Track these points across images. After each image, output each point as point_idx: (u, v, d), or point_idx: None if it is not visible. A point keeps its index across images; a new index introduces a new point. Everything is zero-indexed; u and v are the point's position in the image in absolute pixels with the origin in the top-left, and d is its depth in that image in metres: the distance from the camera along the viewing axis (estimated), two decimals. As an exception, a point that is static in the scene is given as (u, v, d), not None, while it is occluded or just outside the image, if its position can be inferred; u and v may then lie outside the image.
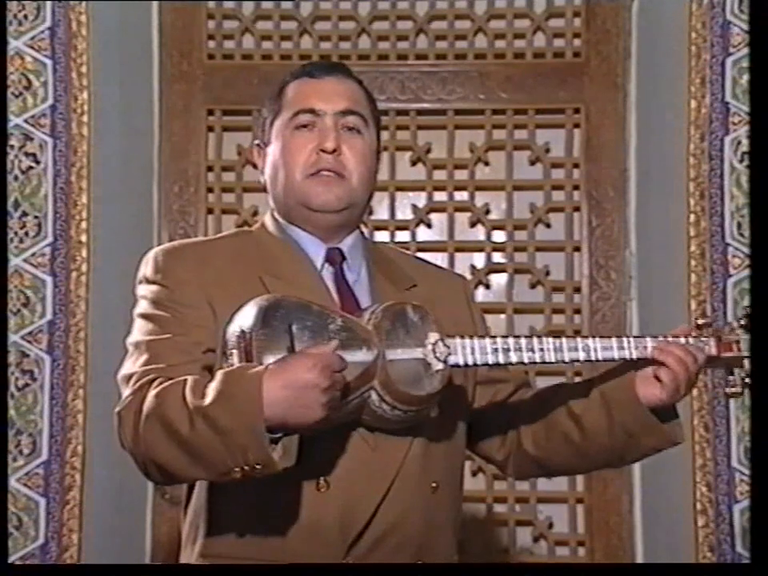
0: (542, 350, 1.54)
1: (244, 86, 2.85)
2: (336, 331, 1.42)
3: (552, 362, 1.55)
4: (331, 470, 1.49)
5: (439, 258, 2.74)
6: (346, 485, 1.49)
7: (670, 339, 1.59)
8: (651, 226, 2.72)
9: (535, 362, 1.54)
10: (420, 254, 2.53)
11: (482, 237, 2.86)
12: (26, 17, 2.60)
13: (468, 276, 2.73)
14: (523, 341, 1.53)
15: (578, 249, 2.81)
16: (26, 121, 2.59)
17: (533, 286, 2.84)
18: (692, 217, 2.59)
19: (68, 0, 2.61)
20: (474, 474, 2.76)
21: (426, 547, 1.55)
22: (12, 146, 2.58)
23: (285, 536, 1.48)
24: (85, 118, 2.62)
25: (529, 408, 1.70)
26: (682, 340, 1.60)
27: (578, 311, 2.80)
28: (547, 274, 2.84)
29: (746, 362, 1.63)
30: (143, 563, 2.66)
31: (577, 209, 2.82)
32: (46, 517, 2.53)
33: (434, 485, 1.56)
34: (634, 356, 1.57)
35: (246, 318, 1.38)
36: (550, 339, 1.55)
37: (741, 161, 2.55)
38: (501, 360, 1.52)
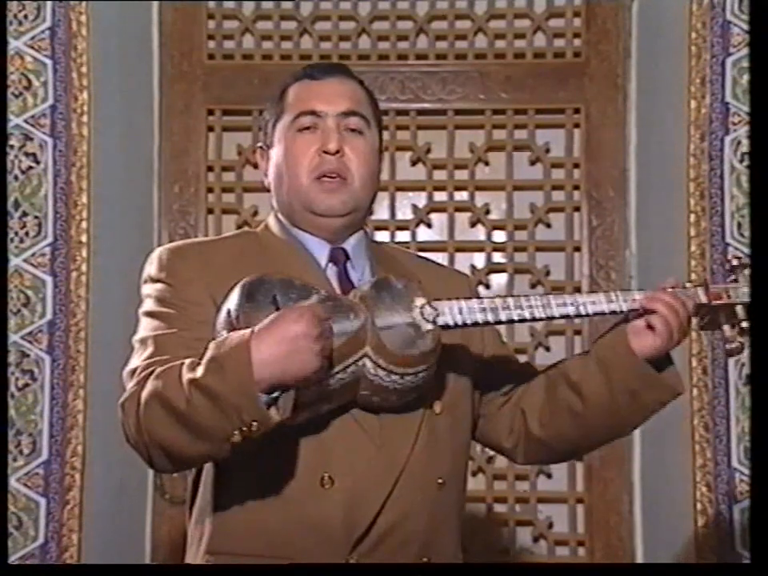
0: (530, 306, 1.55)
1: (244, 86, 2.85)
2: (321, 301, 1.44)
3: (542, 318, 1.56)
4: (335, 466, 1.49)
5: (439, 258, 2.73)
6: (351, 481, 1.49)
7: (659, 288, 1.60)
8: (651, 226, 2.72)
9: (525, 319, 1.55)
10: (422, 255, 2.53)
11: (482, 237, 2.86)
12: (26, 17, 2.60)
13: (468, 276, 2.73)
14: (511, 299, 1.55)
15: (578, 249, 2.81)
16: (26, 121, 2.59)
17: (533, 286, 2.84)
18: (692, 217, 2.59)
19: (68, 0, 2.61)
20: (474, 474, 2.76)
21: (431, 544, 1.55)
22: (12, 146, 2.57)
23: (290, 533, 1.49)
24: (85, 118, 2.61)
25: (532, 389, 1.70)
26: (670, 290, 1.61)
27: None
28: (547, 274, 2.84)
29: (739, 312, 1.61)
30: (143, 563, 2.66)
31: (577, 209, 2.82)
32: (46, 517, 2.53)
33: (440, 481, 1.56)
34: (624, 308, 1.58)
35: (231, 299, 1.42)
36: (538, 297, 1.56)
37: (741, 161, 2.55)
38: (490, 318, 1.53)
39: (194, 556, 1.58)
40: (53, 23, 2.60)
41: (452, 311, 1.52)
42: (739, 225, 2.54)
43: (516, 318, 1.54)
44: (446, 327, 1.51)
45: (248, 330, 1.35)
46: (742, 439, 2.50)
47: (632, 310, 1.59)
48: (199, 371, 1.36)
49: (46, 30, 2.60)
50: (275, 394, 1.35)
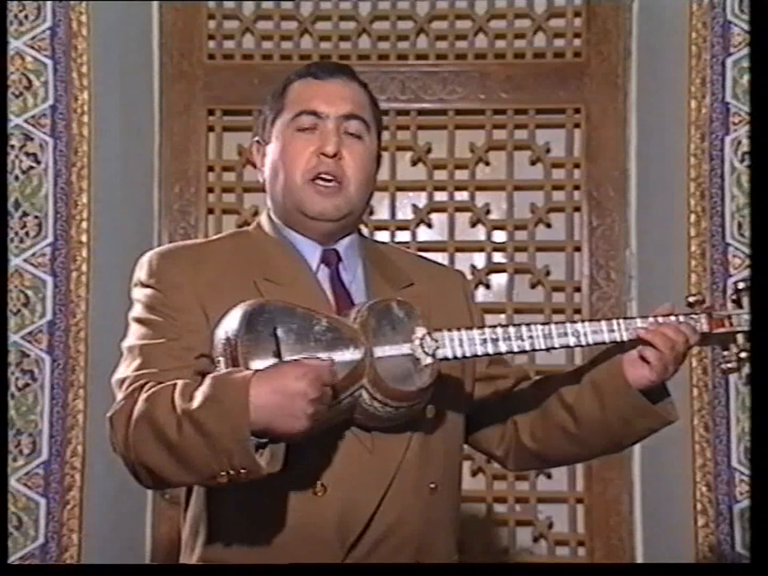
0: (531, 337, 1.53)
1: (244, 86, 2.85)
2: (321, 332, 1.42)
3: (542, 349, 1.55)
4: (328, 473, 1.48)
5: (440, 258, 2.72)
6: (344, 488, 1.49)
7: (660, 319, 1.59)
8: (651, 225, 2.72)
9: (525, 350, 1.54)
10: (420, 254, 2.53)
11: (482, 237, 2.86)
12: (26, 17, 2.60)
13: (468, 276, 2.73)
14: (512, 330, 1.53)
15: (578, 249, 2.81)
16: (26, 121, 2.59)
17: (533, 286, 2.84)
18: (692, 217, 2.58)
19: (68, 0, 2.61)
20: (474, 474, 2.77)
21: (425, 548, 1.54)
22: (12, 146, 2.58)
23: (283, 541, 1.48)
24: (85, 118, 2.62)
25: (524, 401, 1.70)
26: (673, 318, 1.59)
27: (578, 311, 2.79)
28: (547, 274, 2.84)
29: (740, 337, 1.61)
30: (143, 563, 2.66)
31: (577, 209, 2.82)
32: (46, 517, 2.53)
33: (432, 485, 1.56)
34: (625, 337, 1.57)
35: (230, 324, 1.39)
36: (539, 326, 1.54)
37: (741, 161, 2.55)
38: (490, 350, 1.52)
39: (188, 562, 1.57)
40: (53, 23, 2.60)
41: (452, 343, 1.49)
42: (739, 225, 2.54)
43: (516, 349, 1.53)
44: (445, 359, 1.50)
45: (249, 373, 1.33)
46: (742, 439, 2.50)
47: (631, 341, 1.58)
48: (194, 404, 1.34)
49: (47, 30, 2.60)
50: (264, 440, 1.34)
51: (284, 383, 1.31)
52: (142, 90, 2.80)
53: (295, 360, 1.35)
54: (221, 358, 1.39)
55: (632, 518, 2.71)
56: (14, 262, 2.55)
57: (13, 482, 2.51)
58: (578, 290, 2.80)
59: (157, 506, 2.72)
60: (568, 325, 1.56)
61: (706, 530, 2.53)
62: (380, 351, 1.45)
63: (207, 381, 1.36)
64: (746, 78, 2.54)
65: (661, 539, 2.63)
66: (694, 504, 2.53)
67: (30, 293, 2.56)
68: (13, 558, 2.48)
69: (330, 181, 1.59)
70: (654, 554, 2.64)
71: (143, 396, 1.41)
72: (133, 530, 2.69)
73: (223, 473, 1.33)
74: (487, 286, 2.85)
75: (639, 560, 2.67)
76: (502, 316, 2.79)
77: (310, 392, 1.31)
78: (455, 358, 1.50)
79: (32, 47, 2.60)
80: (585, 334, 1.56)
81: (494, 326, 1.53)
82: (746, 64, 2.54)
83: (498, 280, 2.85)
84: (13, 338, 2.53)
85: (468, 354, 1.51)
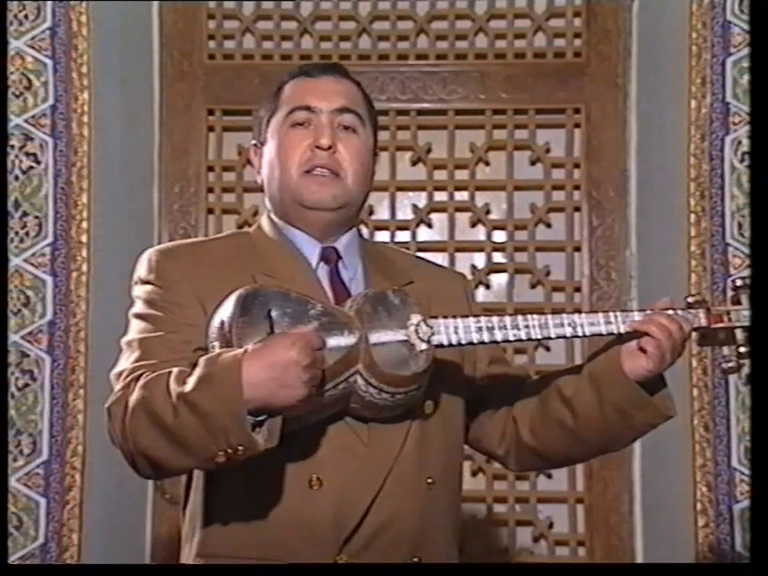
0: (527, 326, 1.54)
1: (244, 86, 2.85)
2: (316, 316, 1.43)
3: (538, 339, 1.55)
4: (323, 466, 1.49)
5: (440, 258, 2.74)
6: (339, 481, 1.49)
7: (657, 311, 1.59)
8: (651, 225, 2.72)
9: (521, 339, 1.54)
10: (420, 254, 2.53)
11: (482, 237, 2.86)
12: (26, 17, 2.60)
13: (468, 276, 2.73)
14: (507, 318, 1.53)
15: (578, 249, 2.81)
16: (26, 121, 2.59)
17: (533, 286, 2.84)
18: (692, 217, 2.58)
19: (68, 0, 2.61)
20: (474, 474, 2.77)
21: (423, 544, 1.54)
22: (12, 146, 2.58)
23: (278, 534, 1.48)
24: (85, 118, 2.62)
25: (524, 398, 1.70)
26: (670, 312, 1.59)
27: (578, 311, 2.79)
28: (547, 274, 2.84)
29: (739, 334, 1.61)
30: (143, 563, 2.67)
31: (577, 209, 2.82)
32: (46, 517, 2.53)
33: (429, 480, 1.55)
34: (621, 330, 1.57)
35: (225, 309, 1.40)
36: (535, 316, 1.55)
37: (741, 161, 2.55)
38: (486, 338, 1.52)
39: (187, 557, 1.58)
40: (53, 23, 2.60)
41: (447, 330, 1.50)
42: (739, 225, 2.54)
43: (512, 338, 1.53)
44: (440, 346, 1.50)
45: (240, 350, 1.34)
46: (742, 439, 2.50)
47: (628, 333, 1.58)
48: (188, 386, 1.35)
49: (47, 30, 2.60)
50: (261, 417, 1.34)
51: (275, 355, 1.32)
52: (141, 89, 2.80)
53: (281, 332, 1.36)
54: (215, 342, 1.40)
55: (632, 518, 2.71)
56: (14, 262, 2.55)
57: (13, 482, 2.51)
58: (578, 290, 2.80)
59: (157, 506, 2.72)
60: (564, 315, 1.57)
61: (706, 530, 2.53)
62: (375, 337, 1.46)
63: (200, 363, 1.36)
64: (745, 78, 2.54)
65: (661, 539, 2.63)
66: (694, 504, 2.53)
67: (30, 293, 2.56)
68: (13, 558, 2.48)
69: (325, 172, 1.60)
70: (654, 553, 2.64)
71: (139, 384, 1.42)
72: (133, 530, 2.69)
73: (221, 452, 1.34)
74: (487, 286, 2.85)
75: (639, 560, 2.67)
76: (502, 316, 2.78)
77: (302, 359, 1.32)
78: (450, 344, 1.51)
79: (32, 47, 2.60)
80: (581, 325, 1.56)
81: (490, 315, 1.54)
82: (746, 64, 2.54)
83: (498, 280, 2.85)
84: (13, 338, 2.53)
85: (463, 342, 1.51)
